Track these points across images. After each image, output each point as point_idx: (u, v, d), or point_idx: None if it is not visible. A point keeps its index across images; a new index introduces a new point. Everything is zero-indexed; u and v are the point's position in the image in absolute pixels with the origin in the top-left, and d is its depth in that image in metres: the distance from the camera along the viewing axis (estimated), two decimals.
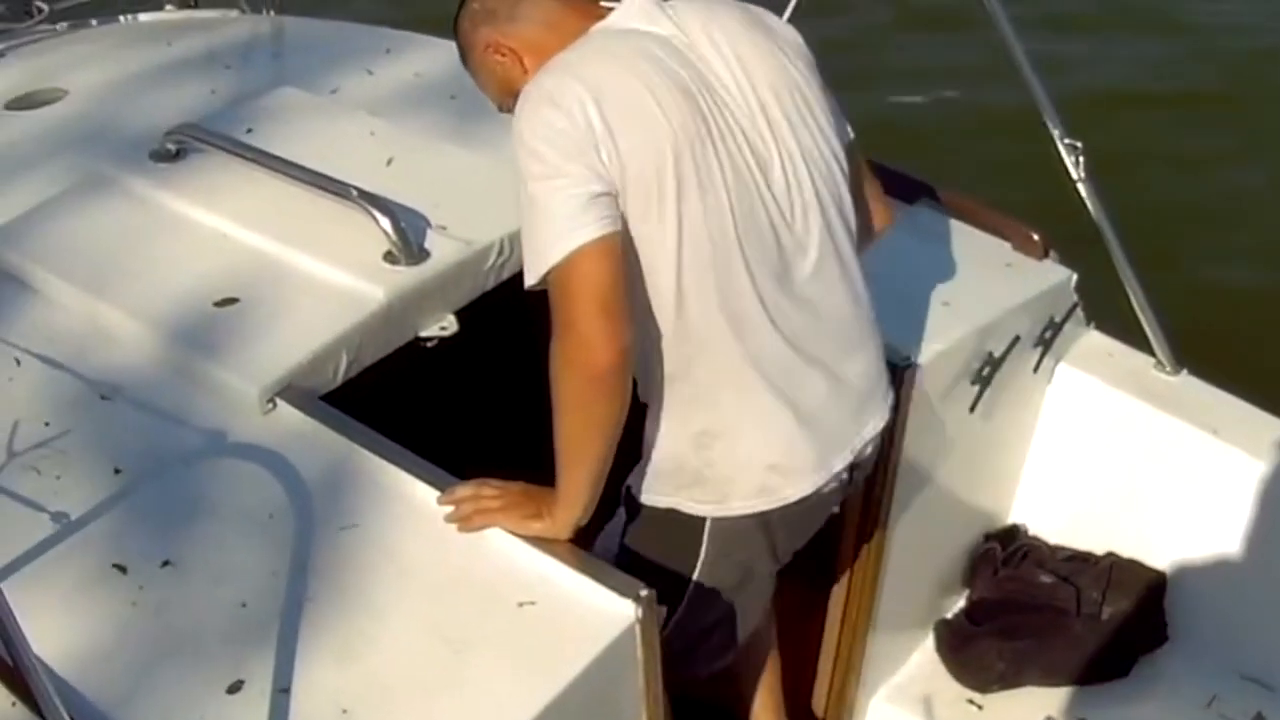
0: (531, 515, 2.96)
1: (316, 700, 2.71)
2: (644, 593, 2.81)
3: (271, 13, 5.55)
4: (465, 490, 3.00)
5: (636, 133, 2.82)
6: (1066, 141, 4.02)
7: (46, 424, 3.29)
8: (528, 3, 3.06)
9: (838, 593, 3.76)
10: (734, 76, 2.97)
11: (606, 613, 2.82)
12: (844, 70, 4.62)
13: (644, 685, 2.93)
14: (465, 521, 2.96)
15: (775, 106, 2.99)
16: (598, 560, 2.93)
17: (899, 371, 3.39)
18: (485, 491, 3.00)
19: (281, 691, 2.72)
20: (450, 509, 2.98)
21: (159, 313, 3.49)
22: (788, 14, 4.12)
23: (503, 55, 3.09)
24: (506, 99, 3.08)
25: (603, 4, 3.09)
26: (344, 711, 2.68)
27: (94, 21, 5.68)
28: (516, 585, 2.87)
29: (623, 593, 2.81)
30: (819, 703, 4.02)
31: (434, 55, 4.75)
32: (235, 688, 2.73)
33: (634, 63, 2.90)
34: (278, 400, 3.27)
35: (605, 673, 2.81)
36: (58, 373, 3.41)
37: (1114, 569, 4.23)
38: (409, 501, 3.05)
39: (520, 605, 2.83)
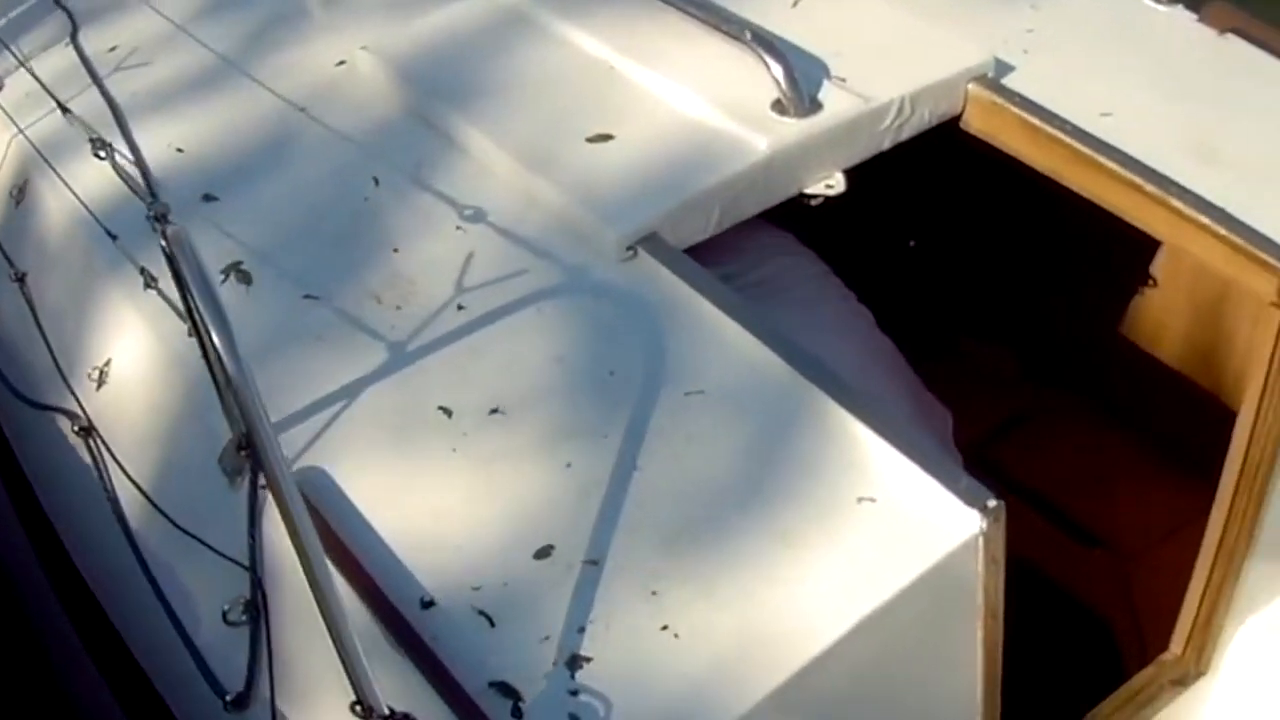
0: None
1: (627, 579, 2.56)
2: (992, 503, 2.59)
3: None
4: None
5: None
6: None
7: (395, 250, 3.19)
8: None
9: (1216, 515, 3.46)
10: None
11: (950, 520, 2.60)
12: None
13: (982, 602, 2.72)
14: None
15: None
16: (949, 462, 2.69)
17: None
18: None
19: (590, 563, 2.58)
20: None
21: (529, 143, 3.36)
22: None
23: None
24: None
25: None
26: (653, 594, 2.54)
27: None
28: (859, 478, 2.67)
29: (970, 501, 2.59)
30: (1183, 628, 3.75)
31: None
32: (544, 553, 2.61)
33: None
34: (639, 249, 3.11)
35: (940, 585, 2.61)
36: (416, 195, 3.33)
37: None
38: (760, 373, 2.87)
39: (859, 501, 2.64)
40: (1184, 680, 3.82)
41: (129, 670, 3.25)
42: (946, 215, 4.90)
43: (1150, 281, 4.76)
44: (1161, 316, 4.79)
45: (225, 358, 2.22)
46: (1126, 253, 4.19)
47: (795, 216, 3.52)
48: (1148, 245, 4.44)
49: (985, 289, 5.08)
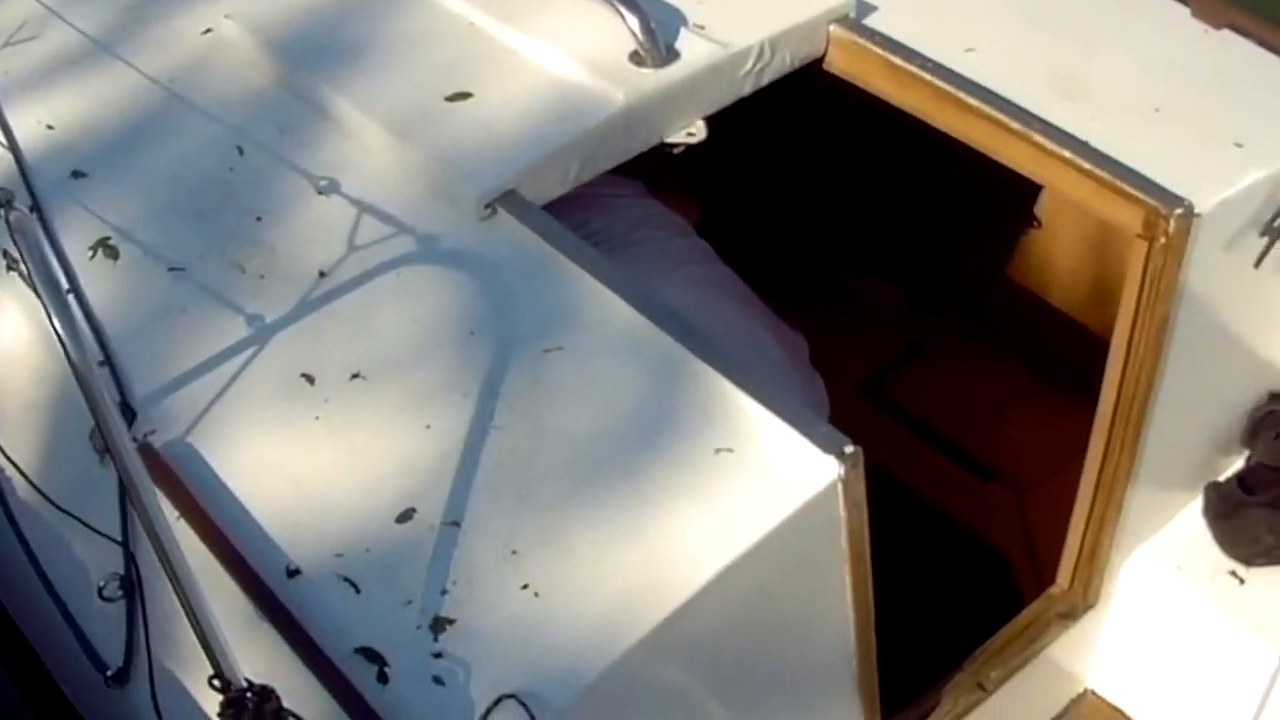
0: None
1: (488, 539, 2.57)
2: (849, 449, 2.59)
3: None
4: None
5: None
6: None
7: (259, 219, 3.18)
8: None
9: (1094, 447, 3.48)
10: None
11: (808, 467, 2.60)
12: None
13: (847, 547, 2.73)
14: None
15: None
16: (806, 410, 2.70)
17: (1178, 219, 3.06)
18: None
19: (451, 524, 2.59)
20: None
21: (389, 105, 3.33)
22: None
23: None
24: None
25: None
26: (514, 553, 2.54)
27: None
28: (718, 430, 2.68)
29: (826, 448, 2.59)
30: (1068, 561, 3.77)
31: None
32: (406, 516, 2.62)
33: None
34: (498, 207, 3.09)
35: (803, 531, 2.61)
36: (279, 163, 3.30)
37: None
38: (620, 329, 2.86)
39: (718, 452, 2.64)
40: (1072, 614, 3.86)
41: (19, 648, 3.25)
42: (828, 155, 4.89)
43: (1034, 222, 4.79)
44: (1048, 254, 4.82)
45: (66, 340, 2.21)
46: (1009, 190, 4.20)
47: (671, 166, 3.51)
48: (1031, 185, 4.47)
49: (868, 228, 5.08)
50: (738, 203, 4.48)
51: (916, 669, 3.68)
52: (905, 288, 5.20)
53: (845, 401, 3.82)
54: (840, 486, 2.59)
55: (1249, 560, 3.81)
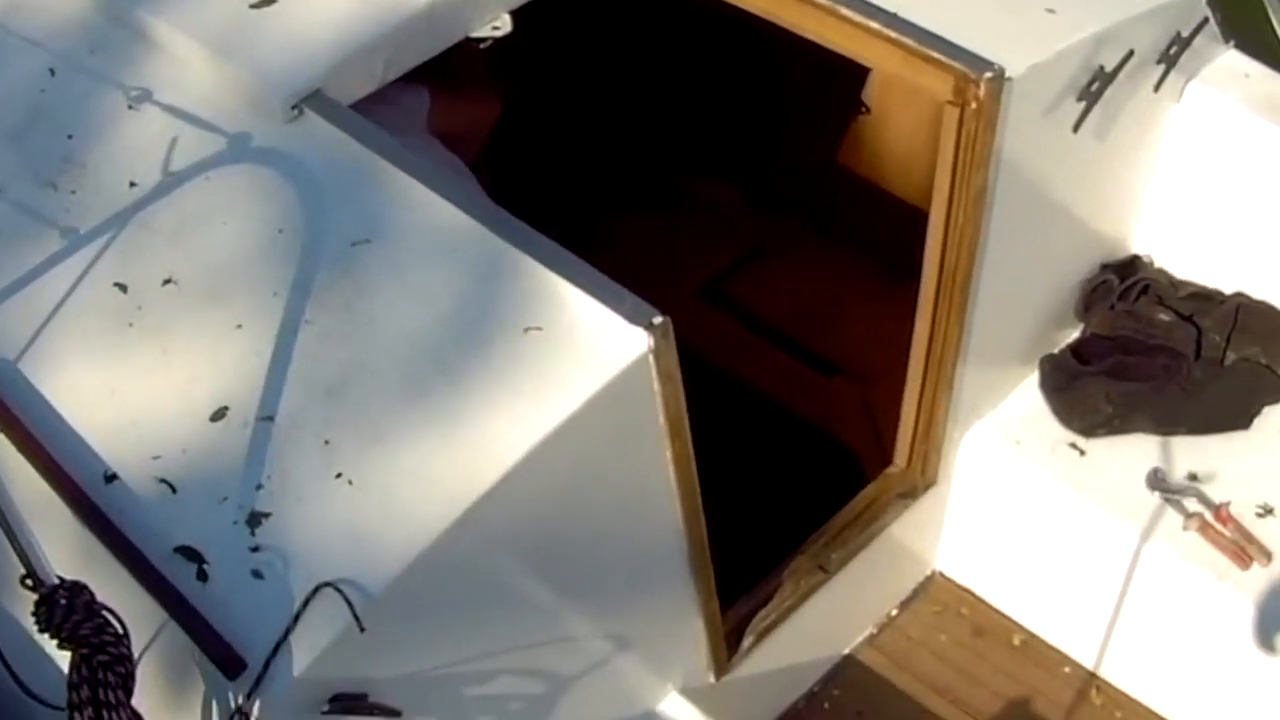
0: None
1: (301, 432, 2.57)
2: (658, 320, 2.58)
3: None
4: None
5: None
6: None
7: (70, 137, 3.15)
8: None
9: (920, 326, 3.49)
10: None
11: (617, 340, 2.60)
12: None
13: (664, 422, 2.74)
14: None
15: None
16: (613, 284, 2.69)
17: (988, 83, 3.07)
18: None
19: (265, 420, 2.58)
20: None
21: (196, 16, 3.28)
22: None
23: None
24: None
25: None
26: (326, 443, 2.54)
27: None
28: (524, 310, 2.67)
29: (634, 319, 2.59)
30: (904, 440, 3.79)
31: None
32: (219, 414, 2.61)
33: None
34: (304, 107, 3.07)
35: (616, 405, 2.62)
36: (91, 82, 3.26)
37: (1241, 310, 3.90)
38: (427, 219, 2.85)
39: (526, 331, 2.64)
40: (911, 493, 3.89)
41: None
42: (651, 52, 4.88)
43: (863, 108, 4.80)
44: (879, 140, 4.83)
45: None
46: (835, 77, 4.20)
47: (476, 64, 3.49)
48: (857, 72, 4.47)
49: (698, 126, 5.07)
50: (559, 104, 4.45)
51: (763, 559, 3.71)
52: (742, 188, 5.19)
53: (686, 304, 3.82)
54: (651, 358, 2.59)
55: (1089, 431, 3.86)
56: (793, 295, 4.83)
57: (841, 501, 3.96)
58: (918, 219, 4.14)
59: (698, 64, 4.88)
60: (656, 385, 2.65)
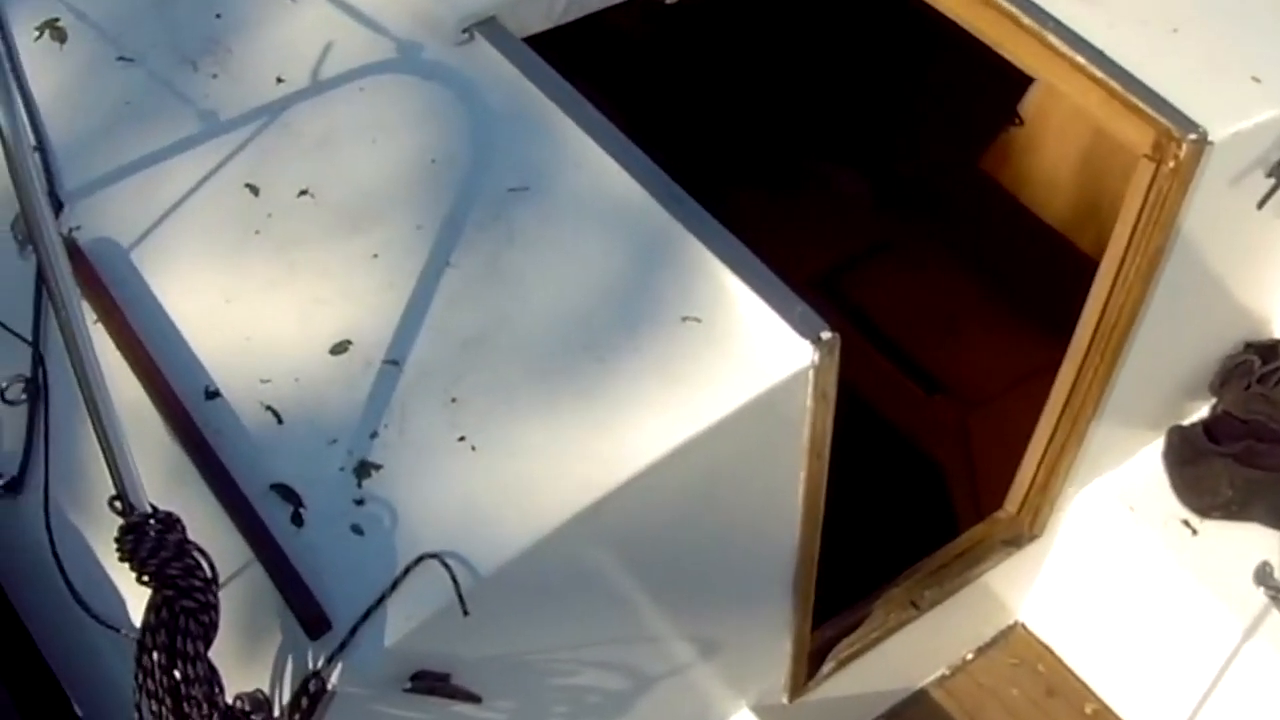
0: None
1: (427, 382, 2.39)
2: (826, 335, 2.42)
3: None
4: None
5: None
6: None
7: (218, 16, 2.97)
8: None
9: (1065, 373, 3.34)
10: None
11: (780, 349, 2.42)
12: None
13: (808, 439, 2.56)
14: None
15: None
16: (783, 287, 2.51)
17: (1191, 144, 2.89)
18: None
19: (390, 363, 2.40)
20: None
21: None
22: None
23: None
24: None
25: None
26: (453, 400, 2.36)
27: None
28: (684, 296, 2.49)
29: (803, 331, 2.41)
30: (1020, 488, 3.64)
31: None
32: (340, 347, 2.43)
33: None
34: (475, 32, 2.89)
35: (766, 418, 2.44)
36: None
37: None
38: (592, 177, 2.66)
39: (683, 320, 2.46)
40: (1017, 541, 3.73)
41: None
42: (799, 30, 4.72)
43: (1016, 119, 4.63)
44: (1027, 157, 4.67)
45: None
46: (993, 80, 4.03)
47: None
48: (1018, 81, 4.30)
49: (835, 111, 4.91)
50: (706, 72, 4.30)
51: (843, 577, 3.57)
52: (871, 178, 5.02)
53: (798, 291, 3.67)
54: (812, 374, 2.43)
55: (1205, 511, 3.69)
56: (907, 302, 4.66)
57: (924, 524, 3.85)
58: (1054, 245, 3.98)
59: (846, 48, 4.72)
60: (810, 402, 2.47)
